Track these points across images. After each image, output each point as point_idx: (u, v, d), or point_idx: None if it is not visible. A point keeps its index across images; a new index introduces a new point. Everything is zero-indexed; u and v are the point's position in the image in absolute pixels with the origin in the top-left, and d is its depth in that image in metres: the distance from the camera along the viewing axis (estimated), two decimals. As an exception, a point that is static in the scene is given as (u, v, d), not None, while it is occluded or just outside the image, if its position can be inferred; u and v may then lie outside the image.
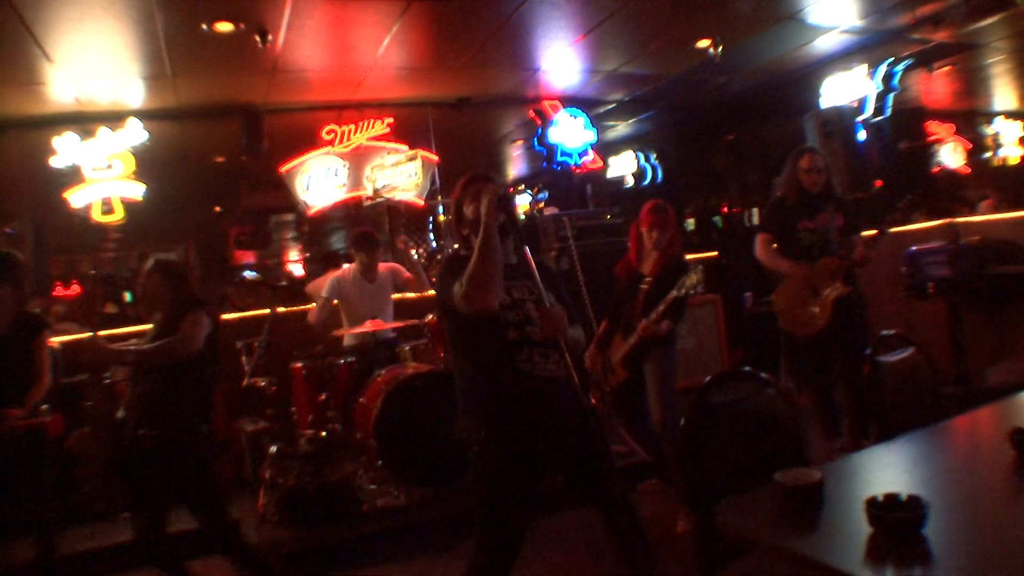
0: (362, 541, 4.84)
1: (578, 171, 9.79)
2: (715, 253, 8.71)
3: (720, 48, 7.81)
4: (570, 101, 9.49)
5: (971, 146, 14.02)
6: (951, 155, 13.68)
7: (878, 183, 10.19)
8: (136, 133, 7.55)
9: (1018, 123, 14.38)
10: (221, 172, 11.60)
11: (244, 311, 6.60)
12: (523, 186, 15.26)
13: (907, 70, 9.01)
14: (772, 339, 6.46)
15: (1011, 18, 8.04)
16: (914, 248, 6.88)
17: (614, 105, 10.38)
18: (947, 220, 7.87)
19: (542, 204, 12.95)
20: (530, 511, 3.12)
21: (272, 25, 6.20)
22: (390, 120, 8.78)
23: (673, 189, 13.03)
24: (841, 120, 9.30)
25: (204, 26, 6.10)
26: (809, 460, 2.74)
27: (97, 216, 7.62)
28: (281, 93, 8.06)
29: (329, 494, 4.97)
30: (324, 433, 5.39)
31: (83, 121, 7.61)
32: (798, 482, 1.99)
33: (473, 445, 3.03)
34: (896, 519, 1.77)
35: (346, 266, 6.48)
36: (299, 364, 5.70)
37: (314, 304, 6.12)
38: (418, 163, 8.85)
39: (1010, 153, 14.35)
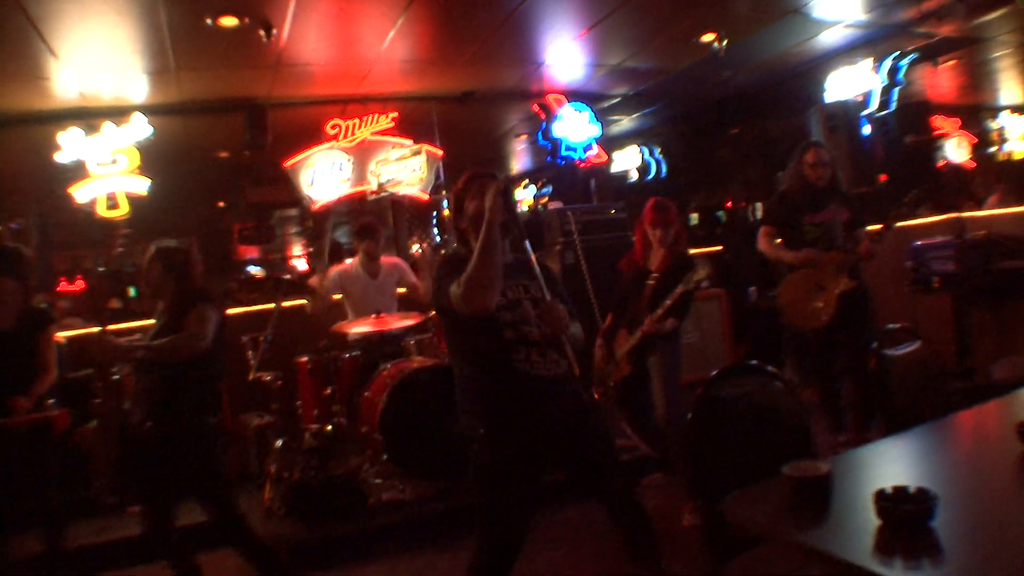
0: (367, 535, 4.84)
1: (582, 165, 9.79)
2: (719, 248, 8.70)
3: (725, 42, 7.80)
4: (575, 95, 9.49)
5: (976, 141, 13.99)
6: (956, 150, 13.66)
7: (883, 177, 10.18)
8: (140, 128, 7.56)
9: (1024, 118, 14.36)
10: (225, 167, 11.61)
11: (248, 306, 6.58)
12: (526, 180, 15.27)
13: (912, 64, 8.97)
14: (776, 334, 6.46)
15: (1017, 12, 8.02)
16: (919, 243, 6.88)
17: (618, 99, 10.38)
18: (953, 215, 7.86)
19: (546, 199, 12.97)
20: (531, 508, 3.12)
21: (276, 19, 6.20)
22: (395, 114, 8.77)
23: (677, 184, 13.05)
24: (846, 115, 9.29)
25: (208, 20, 6.10)
26: (816, 454, 2.74)
27: (102, 211, 7.63)
28: (285, 87, 8.06)
29: (334, 488, 4.97)
30: (329, 427, 5.38)
31: (87, 116, 7.62)
32: (806, 475, 1.99)
33: (473, 443, 3.02)
34: (905, 512, 1.77)
35: (348, 261, 6.47)
36: (304, 358, 5.70)
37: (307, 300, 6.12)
38: (422, 157, 8.84)
39: (1015, 148, 14.30)
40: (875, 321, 5.07)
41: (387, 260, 6.29)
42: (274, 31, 6.28)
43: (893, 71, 8.89)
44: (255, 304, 6.50)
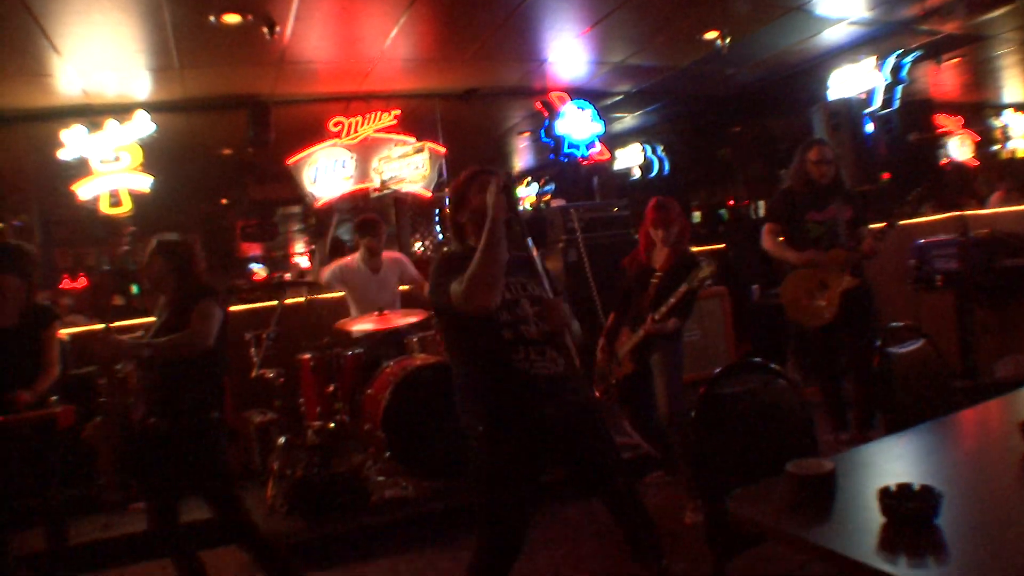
0: (370, 532, 4.84)
1: (585, 163, 9.79)
2: (722, 246, 8.69)
3: (727, 40, 7.78)
4: (577, 93, 9.48)
5: (979, 139, 13.98)
6: (959, 148, 13.64)
7: (885, 176, 10.17)
8: (143, 125, 7.56)
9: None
10: (228, 164, 11.62)
11: (252, 303, 6.60)
12: (529, 177, 15.27)
13: (915, 62, 8.96)
14: (778, 332, 6.46)
15: (1021, 10, 8.01)
16: (922, 241, 6.87)
17: (621, 97, 10.37)
18: (956, 213, 7.85)
19: (548, 196, 12.97)
20: (531, 507, 3.12)
21: (280, 16, 6.20)
22: (397, 112, 8.78)
23: (679, 181, 13.04)
24: (849, 112, 9.25)
25: (212, 18, 6.11)
26: (819, 452, 2.74)
27: (105, 208, 7.64)
28: (288, 85, 8.06)
29: (337, 485, 4.97)
30: (332, 424, 5.38)
31: (91, 113, 7.63)
32: (810, 472, 1.99)
33: (472, 442, 3.02)
34: (909, 509, 1.77)
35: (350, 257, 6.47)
36: (307, 355, 5.70)
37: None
38: (425, 155, 8.85)
39: (1019, 146, 14.29)
40: (878, 319, 5.08)
41: (389, 255, 6.28)
42: (277, 28, 6.28)
43: (896, 69, 8.88)
44: (258, 301, 6.51)
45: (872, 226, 5.09)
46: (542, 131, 9.63)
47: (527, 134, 12.08)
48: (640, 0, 6.71)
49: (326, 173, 8.67)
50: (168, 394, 3.69)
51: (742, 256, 8.09)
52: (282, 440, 5.43)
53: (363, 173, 8.83)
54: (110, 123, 7.50)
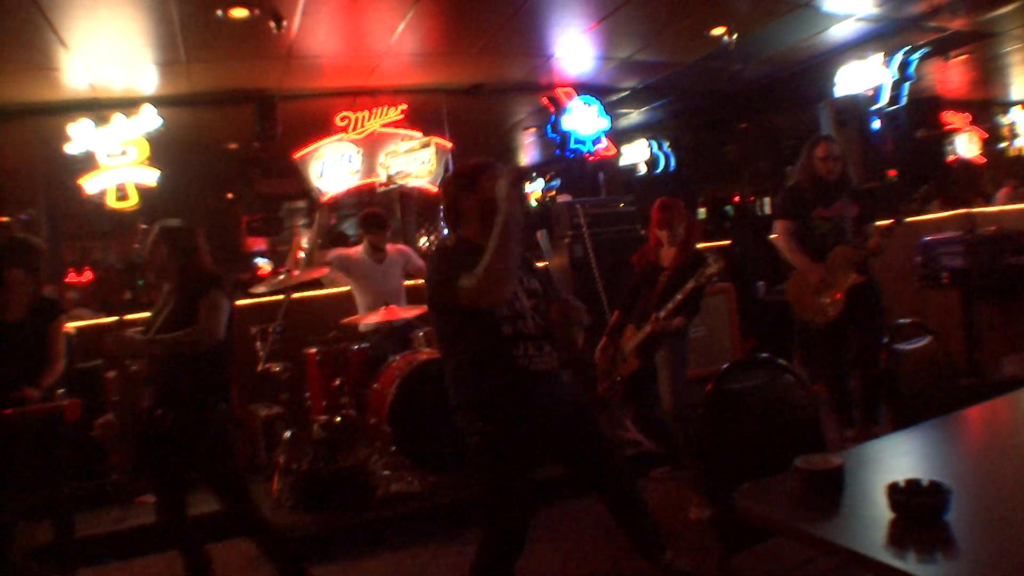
0: (376, 526, 4.85)
1: (591, 159, 9.78)
2: (727, 242, 8.69)
3: (734, 36, 7.78)
4: (584, 88, 9.47)
5: (987, 136, 13.93)
6: (966, 145, 13.59)
7: (892, 172, 10.16)
8: (150, 119, 7.57)
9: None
10: (234, 159, 11.63)
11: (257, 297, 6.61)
12: (535, 173, 15.25)
13: (923, 59, 8.94)
14: (784, 328, 6.46)
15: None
16: (928, 238, 6.86)
17: (627, 93, 10.36)
18: (963, 210, 7.84)
19: (554, 192, 12.95)
20: (533, 501, 3.12)
21: (287, 11, 6.20)
22: (404, 106, 8.78)
23: (685, 177, 13.02)
24: (856, 109, 9.27)
25: (219, 12, 6.11)
26: (826, 447, 2.74)
27: (111, 202, 7.65)
28: (295, 79, 8.07)
29: (343, 479, 4.97)
30: (338, 418, 5.39)
31: (97, 107, 7.64)
32: (818, 467, 1.99)
33: (472, 437, 3.02)
34: (918, 505, 1.76)
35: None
36: (313, 349, 5.71)
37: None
38: (432, 149, 8.85)
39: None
40: (885, 316, 5.07)
41: (393, 247, 6.26)
42: (284, 23, 6.28)
43: (904, 65, 8.86)
44: (264, 295, 6.51)
45: (879, 223, 5.08)
46: (548, 126, 9.62)
47: (533, 129, 12.07)
48: (647, -4, 6.72)
49: (332, 168, 8.67)
50: (174, 385, 3.68)
51: (747, 252, 8.08)
52: (288, 434, 5.44)
53: (369, 168, 8.84)
54: (117, 117, 7.51)
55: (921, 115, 11.23)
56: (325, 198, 8.80)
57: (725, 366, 2.63)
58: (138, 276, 12.81)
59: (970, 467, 2.31)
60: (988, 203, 10.60)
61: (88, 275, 14.10)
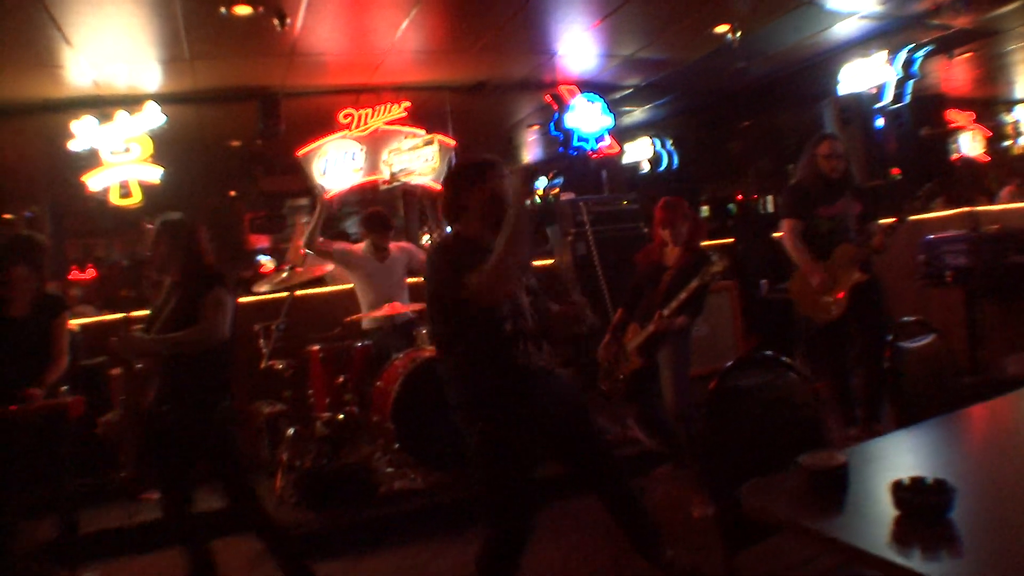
0: (379, 523, 4.86)
1: (594, 156, 9.77)
2: (730, 240, 8.68)
3: (738, 34, 7.76)
4: (587, 86, 9.47)
5: (991, 134, 13.90)
6: (970, 143, 13.57)
7: (895, 171, 10.13)
8: (154, 116, 7.58)
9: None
10: (237, 156, 11.63)
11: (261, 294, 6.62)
12: (537, 170, 15.25)
13: (927, 56, 8.92)
14: (787, 327, 6.45)
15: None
16: (932, 236, 6.85)
17: (631, 90, 10.35)
18: (967, 208, 7.82)
19: (557, 189, 12.95)
20: (535, 497, 3.12)
21: (290, 8, 6.20)
22: (407, 104, 8.78)
23: (688, 175, 13.01)
24: (859, 107, 9.23)
25: (223, 9, 6.10)
26: (829, 446, 2.74)
27: (115, 199, 7.66)
28: (298, 76, 8.07)
29: (346, 476, 4.98)
30: (341, 416, 5.39)
31: (101, 105, 7.64)
32: (822, 465, 1.99)
33: (473, 436, 3.02)
34: (922, 502, 1.77)
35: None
36: (316, 347, 5.71)
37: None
38: (435, 147, 8.85)
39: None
40: (888, 314, 5.07)
41: (396, 245, 6.25)
42: (288, 20, 6.28)
43: (908, 63, 8.84)
44: (267, 293, 6.52)
45: (882, 221, 5.08)
46: (551, 124, 9.61)
47: (536, 127, 12.05)
48: (651, -7, 6.71)
49: (336, 165, 8.67)
50: (178, 382, 3.68)
51: (750, 250, 8.08)
52: (291, 431, 5.44)
53: (373, 165, 8.83)
54: (120, 114, 7.51)
55: (925, 113, 11.20)
56: (328, 196, 8.79)
57: (729, 363, 2.63)
58: (143, 273, 12.85)
59: (974, 466, 2.31)
60: (992, 202, 10.57)
61: (91, 272, 14.12)
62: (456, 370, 3.06)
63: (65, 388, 4.52)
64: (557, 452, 3.22)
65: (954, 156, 13.38)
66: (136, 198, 7.67)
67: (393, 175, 8.82)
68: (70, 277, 13.12)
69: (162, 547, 4.48)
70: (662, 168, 13.21)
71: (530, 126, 12.17)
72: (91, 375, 5.59)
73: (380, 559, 4.52)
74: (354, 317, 5.96)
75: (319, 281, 6.65)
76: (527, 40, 7.88)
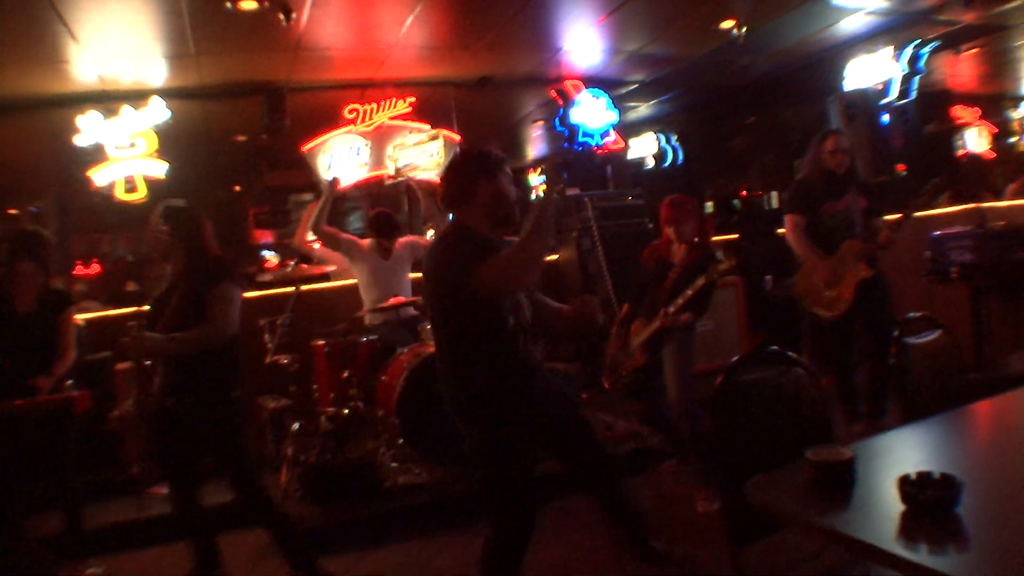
0: (383, 518, 4.86)
1: (599, 152, 9.76)
2: (735, 236, 8.67)
3: (744, 29, 7.74)
4: (592, 81, 9.45)
5: (997, 130, 13.87)
6: (976, 139, 13.54)
7: (900, 167, 10.12)
8: (159, 112, 7.57)
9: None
10: (242, 151, 11.64)
11: (265, 289, 6.62)
12: (542, 166, 15.24)
13: (933, 52, 8.88)
14: (792, 323, 6.44)
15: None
16: (938, 232, 6.84)
17: (636, 86, 10.34)
18: (973, 205, 7.81)
19: (562, 184, 12.94)
20: (538, 492, 3.13)
21: (296, 3, 6.19)
22: (412, 99, 8.76)
23: (693, 171, 13.00)
24: (865, 103, 9.22)
25: (228, 4, 6.09)
26: (835, 441, 2.74)
27: (120, 194, 7.66)
28: (304, 71, 8.06)
29: (351, 471, 4.99)
30: (346, 411, 5.40)
31: (106, 100, 7.64)
32: (829, 459, 1.99)
33: (474, 436, 3.02)
34: (929, 497, 1.77)
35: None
36: (321, 342, 5.72)
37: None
38: (440, 142, 8.83)
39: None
40: (894, 310, 5.07)
41: (400, 241, 6.24)
42: (293, 15, 6.27)
43: (914, 59, 8.80)
44: (272, 288, 6.53)
45: (888, 217, 5.07)
46: (556, 119, 9.59)
47: (541, 122, 12.05)
48: (657, -12, 6.70)
49: (341, 160, 8.66)
50: (185, 375, 3.66)
51: (755, 246, 8.06)
52: (296, 426, 5.45)
53: (378, 160, 8.83)
54: (126, 109, 7.51)
55: (931, 109, 11.19)
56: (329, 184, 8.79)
57: (736, 358, 2.63)
58: (148, 269, 12.88)
59: (980, 461, 2.31)
60: (997, 198, 10.55)
61: (96, 267, 14.15)
62: (457, 367, 3.05)
63: (70, 383, 4.53)
64: (551, 446, 3.23)
65: (960, 152, 13.35)
66: (141, 193, 7.67)
67: (398, 170, 8.81)
68: (75, 272, 13.15)
69: (167, 542, 4.49)
70: (667, 164, 13.21)
71: (535, 121, 12.17)
72: (96, 370, 5.60)
73: (384, 554, 4.52)
74: (360, 313, 5.97)
75: (324, 277, 6.65)
76: (532, 35, 7.87)
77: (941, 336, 3.23)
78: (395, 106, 8.73)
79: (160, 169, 7.69)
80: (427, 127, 8.86)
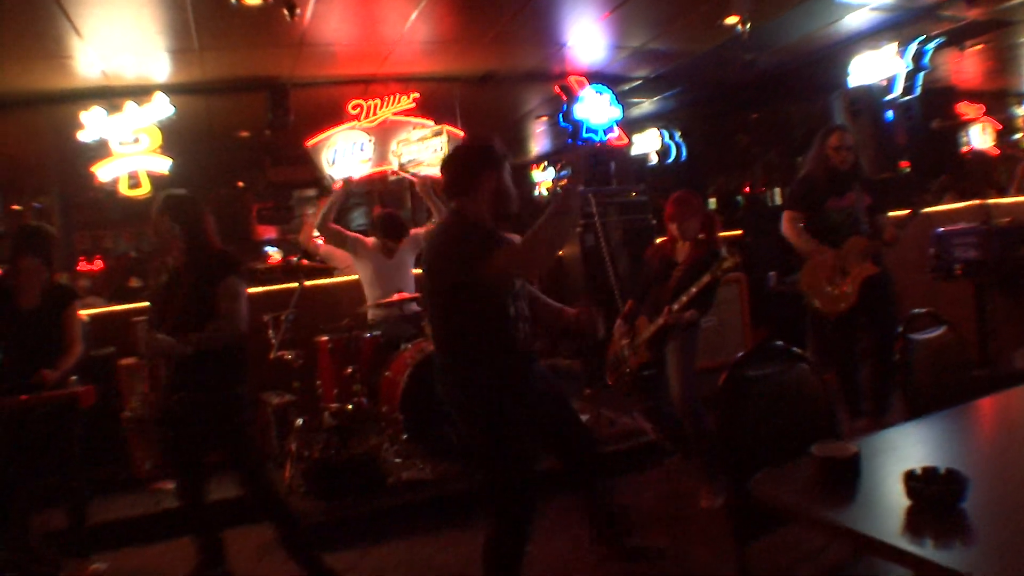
0: (387, 514, 4.87)
1: (602, 147, 9.74)
2: (738, 232, 8.66)
3: (748, 25, 7.73)
4: (596, 77, 9.42)
5: (1001, 127, 13.83)
6: (980, 136, 13.51)
7: (904, 164, 10.10)
8: (162, 107, 7.57)
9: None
10: (246, 147, 11.63)
11: (270, 285, 6.63)
12: (545, 161, 15.25)
13: (938, 48, 8.85)
14: (796, 319, 6.44)
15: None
16: (942, 229, 6.82)
17: (640, 82, 10.31)
18: (977, 201, 7.78)
19: (565, 180, 12.94)
20: (539, 486, 3.14)
21: (300, -2, 6.20)
22: (416, 95, 8.74)
23: (696, 167, 12.99)
24: (869, 99, 9.20)
25: (232, -1, 6.10)
26: (839, 436, 2.74)
27: (124, 190, 7.66)
28: (307, 67, 8.05)
29: (354, 467, 5.00)
30: (350, 406, 5.41)
31: (110, 95, 7.64)
32: (834, 455, 1.99)
33: (475, 434, 3.02)
34: (935, 492, 1.77)
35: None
36: (325, 337, 5.73)
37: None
38: (443, 138, 8.82)
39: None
40: (898, 306, 5.06)
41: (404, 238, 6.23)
42: (297, 11, 6.26)
43: (918, 55, 8.77)
44: (276, 283, 6.53)
45: (894, 214, 5.06)
46: (560, 115, 9.57)
47: (545, 118, 12.04)
48: (661, -16, 6.68)
49: (344, 156, 8.66)
50: (192, 372, 3.65)
51: (759, 243, 8.06)
52: (300, 422, 5.47)
53: (381, 156, 8.82)
54: (129, 105, 7.50)
55: (935, 106, 11.16)
56: (337, 186, 8.79)
57: (740, 354, 2.63)
58: (145, 262, 12.89)
59: (985, 456, 2.31)
60: (1001, 194, 10.52)
61: (99, 263, 14.18)
62: (457, 365, 3.06)
63: (75, 378, 4.53)
64: (547, 444, 3.24)
65: (964, 149, 13.32)
66: (145, 189, 7.67)
67: (402, 166, 8.80)
68: (78, 268, 13.18)
69: (171, 537, 4.51)
70: (670, 160, 13.20)
71: (538, 117, 12.16)
72: (101, 366, 5.61)
73: (388, 550, 4.53)
74: (364, 308, 5.97)
75: (328, 272, 6.65)
76: (536, 31, 7.85)
77: (946, 332, 3.23)
78: (399, 102, 8.71)
79: (164, 165, 7.69)
80: (431, 123, 8.85)
